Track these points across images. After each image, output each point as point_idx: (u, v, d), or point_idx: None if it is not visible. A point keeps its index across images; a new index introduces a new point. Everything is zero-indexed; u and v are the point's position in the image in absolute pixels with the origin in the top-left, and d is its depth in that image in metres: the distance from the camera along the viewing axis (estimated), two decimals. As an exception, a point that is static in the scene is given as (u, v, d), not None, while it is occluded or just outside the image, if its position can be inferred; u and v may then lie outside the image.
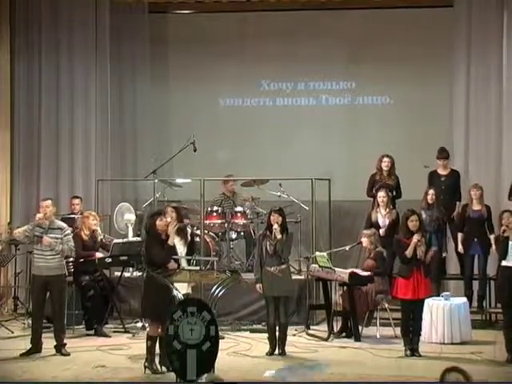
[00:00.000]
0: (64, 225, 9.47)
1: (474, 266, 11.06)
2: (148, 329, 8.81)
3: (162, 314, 8.24)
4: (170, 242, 8.59)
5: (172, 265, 8.52)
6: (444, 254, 11.21)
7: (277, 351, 9.19)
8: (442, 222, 11.10)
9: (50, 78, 12.94)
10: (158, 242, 8.64)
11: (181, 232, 9.54)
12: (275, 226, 9.10)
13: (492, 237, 10.73)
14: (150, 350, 8.42)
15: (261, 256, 9.23)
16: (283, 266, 9.19)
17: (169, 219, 9.46)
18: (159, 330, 8.41)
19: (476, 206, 10.98)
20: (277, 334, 9.23)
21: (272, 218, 9.18)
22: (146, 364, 8.39)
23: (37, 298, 9.37)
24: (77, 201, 11.70)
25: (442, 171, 11.56)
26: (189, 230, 9.94)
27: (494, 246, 10.59)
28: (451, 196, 11.38)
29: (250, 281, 9.59)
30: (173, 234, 8.61)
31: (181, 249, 9.47)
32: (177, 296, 8.33)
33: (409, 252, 9.05)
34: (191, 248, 9.67)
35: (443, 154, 11.57)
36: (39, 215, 9.29)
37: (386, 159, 11.51)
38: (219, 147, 13.22)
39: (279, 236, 9.10)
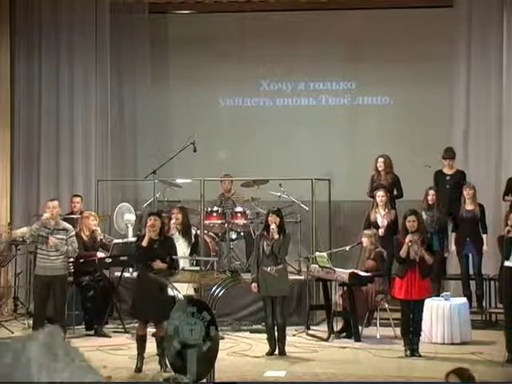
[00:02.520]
0: (69, 226, 9.50)
1: (470, 265, 11.06)
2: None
3: (147, 314, 8.34)
4: (143, 242, 8.60)
5: (156, 264, 8.51)
6: (446, 255, 11.21)
7: (277, 351, 9.19)
8: (443, 223, 11.10)
9: (49, 78, 12.94)
10: (140, 241, 8.72)
11: (185, 232, 9.55)
12: (272, 227, 9.15)
13: (485, 236, 10.78)
14: (137, 348, 8.53)
15: (258, 256, 9.28)
16: (280, 266, 9.23)
17: (173, 220, 9.48)
18: (147, 330, 8.63)
19: (469, 206, 10.97)
20: (275, 334, 9.23)
21: (270, 218, 9.24)
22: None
23: (40, 298, 9.38)
24: (77, 199, 11.67)
25: (447, 171, 11.54)
26: (193, 231, 9.94)
27: (485, 246, 10.67)
28: (456, 196, 11.35)
29: (250, 281, 9.60)
30: (148, 235, 8.60)
31: (184, 249, 9.49)
32: (177, 296, 8.34)
33: (402, 252, 9.06)
34: (195, 249, 9.67)
35: (449, 153, 11.55)
36: (46, 215, 9.29)
37: (380, 159, 11.52)
38: (219, 147, 13.23)
39: (276, 236, 9.15)
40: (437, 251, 10.65)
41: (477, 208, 10.95)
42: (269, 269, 9.19)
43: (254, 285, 9.30)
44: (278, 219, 9.22)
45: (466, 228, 10.95)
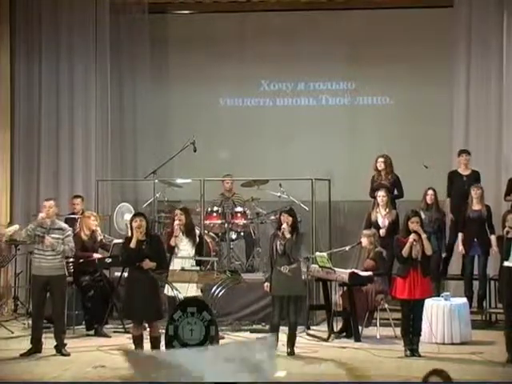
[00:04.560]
0: (65, 225, 9.48)
1: (474, 266, 11.04)
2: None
3: (139, 314, 8.37)
4: (131, 244, 8.59)
5: (145, 264, 8.51)
6: (444, 255, 11.20)
7: (285, 351, 9.15)
8: (441, 223, 11.09)
9: (49, 78, 12.94)
10: (127, 243, 8.71)
11: (188, 233, 9.56)
12: (284, 226, 9.15)
13: (493, 237, 10.73)
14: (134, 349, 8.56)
15: (271, 256, 9.27)
16: (293, 266, 9.20)
17: (177, 222, 9.50)
18: (142, 330, 8.65)
19: (476, 206, 10.96)
20: (279, 334, 9.22)
21: (282, 218, 9.26)
22: None
23: (37, 298, 9.37)
24: (77, 200, 11.66)
25: (463, 171, 11.50)
26: (197, 232, 9.95)
27: (493, 247, 10.62)
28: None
29: (250, 281, 9.60)
30: (135, 236, 8.60)
31: (189, 250, 9.49)
32: (177, 296, 8.35)
33: (405, 251, 9.05)
34: (200, 249, 9.68)
35: (465, 152, 11.52)
36: (42, 215, 9.29)
37: (380, 159, 11.51)
38: (219, 147, 13.22)
39: (288, 236, 9.14)
40: (435, 251, 10.66)
41: (484, 208, 10.92)
42: (282, 268, 9.18)
43: (266, 284, 9.30)
44: (290, 218, 9.22)
45: (473, 228, 10.90)
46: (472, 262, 11.00)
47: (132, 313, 8.60)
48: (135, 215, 8.89)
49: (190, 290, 8.80)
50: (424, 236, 9.11)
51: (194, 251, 9.51)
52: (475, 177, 11.41)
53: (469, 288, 11.01)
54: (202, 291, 9.30)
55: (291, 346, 9.20)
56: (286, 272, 9.16)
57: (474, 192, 10.92)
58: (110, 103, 12.95)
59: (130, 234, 8.80)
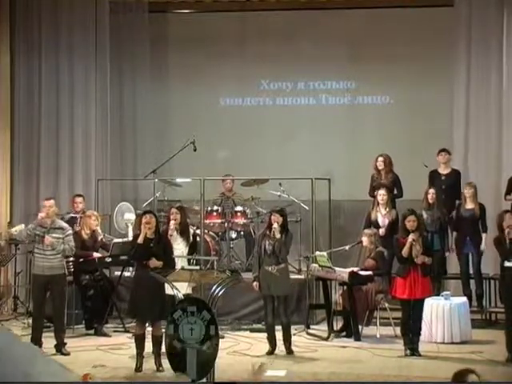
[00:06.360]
0: (65, 225, 9.49)
1: (469, 264, 11.06)
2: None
3: (143, 313, 8.36)
4: (139, 239, 8.59)
5: (152, 263, 8.50)
6: (446, 254, 11.20)
7: (284, 351, 9.18)
8: (443, 222, 11.09)
9: (50, 78, 12.95)
10: (134, 239, 8.71)
11: (183, 232, 9.55)
12: (275, 226, 9.16)
13: (484, 235, 10.77)
14: (136, 348, 8.57)
15: (259, 255, 9.29)
16: (281, 266, 9.22)
17: (172, 221, 9.49)
18: (145, 329, 8.63)
19: (469, 205, 10.96)
20: (275, 333, 9.25)
21: (273, 217, 9.25)
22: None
23: (37, 298, 9.38)
24: (79, 199, 11.64)
25: (442, 170, 11.54)
26: (191, 230, 9.94)
27: (483, 245, 10.65)
28: (451, 195, 11.36)
29: (250, 280, 9.61)
30: (143, 232, 8.59)
31: (182, 248, 9.49)
32: (177, 295, 8.35)
33: (404, 251, 9.05)
34: (193, 248, 9.67)
35: (444, 151, 11.55)
36: (42, 214, 9.30)
37: (379, 158, 11.52)
38: (219, 147, 13.24)
39: (278, 235, 9.15)
40: (437, 250, 10.66)
41: (477, 207, 10.93)
42: (270, 268, 9.19)
43: (255, 283, 9.33)
44: (280, 218, 9.23)
45: (466, 227, 10.94)
46: (466, 260, 11.02)
47: (137, 312, 8.58)
48: (145, 213, 8.86)
49: (181, 288, 8.82)
50: (420, 256, 9.08)
51: (187, 250, 9.51)
52: (455, 176, 11.44)
53: (466, 286, 11.02)
54: (194, 290, 9.32)
55: (288, 345, 9.22)
56: (273, 272, 9.18)
57: (467, 191, 10.95)
58: (109, 103, 12.96)
59: (138, 232, 8.78)
